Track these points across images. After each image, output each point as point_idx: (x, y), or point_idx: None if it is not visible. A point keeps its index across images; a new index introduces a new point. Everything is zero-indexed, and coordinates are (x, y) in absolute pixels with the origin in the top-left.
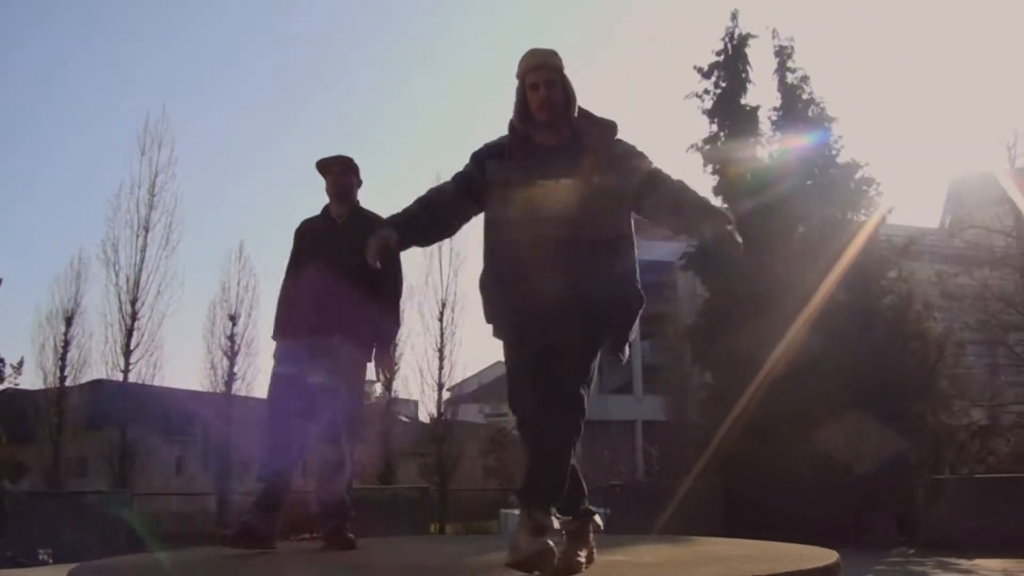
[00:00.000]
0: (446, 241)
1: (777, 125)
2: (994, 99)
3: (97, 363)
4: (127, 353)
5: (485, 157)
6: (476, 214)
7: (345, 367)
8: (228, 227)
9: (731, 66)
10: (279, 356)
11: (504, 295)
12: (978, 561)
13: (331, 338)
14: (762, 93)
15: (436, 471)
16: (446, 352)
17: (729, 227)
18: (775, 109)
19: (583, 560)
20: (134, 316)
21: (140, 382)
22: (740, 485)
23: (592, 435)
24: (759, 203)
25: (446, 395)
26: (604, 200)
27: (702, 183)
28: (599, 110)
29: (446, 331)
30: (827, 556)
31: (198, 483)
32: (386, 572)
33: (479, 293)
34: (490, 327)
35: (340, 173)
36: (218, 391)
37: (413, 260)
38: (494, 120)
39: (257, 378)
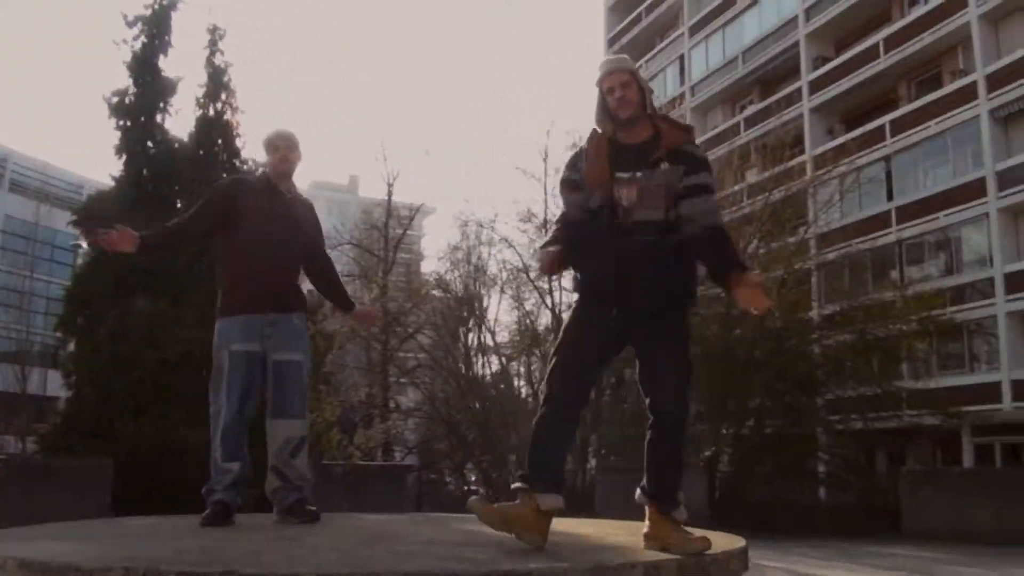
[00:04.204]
0: None
1: (200, 104)
2: None
3: None
4: None
5: (578, 159)
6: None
7: (305, 344)
8: None
9: (156, 24)
10: (236, 331)
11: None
12: None
13: (294, 314)
14: (190, 67)
15: None
16: None
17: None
18: (200, 86)
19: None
20: None
21: None
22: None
23: None
24: (162, 174)
25: None
26: (659, 188)
27: (110, 136)
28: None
29: None
30: (735, 541)
31: None
32: (410, 542)
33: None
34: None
35: (288, 150)
36: None
37: None
38: None
39: None
